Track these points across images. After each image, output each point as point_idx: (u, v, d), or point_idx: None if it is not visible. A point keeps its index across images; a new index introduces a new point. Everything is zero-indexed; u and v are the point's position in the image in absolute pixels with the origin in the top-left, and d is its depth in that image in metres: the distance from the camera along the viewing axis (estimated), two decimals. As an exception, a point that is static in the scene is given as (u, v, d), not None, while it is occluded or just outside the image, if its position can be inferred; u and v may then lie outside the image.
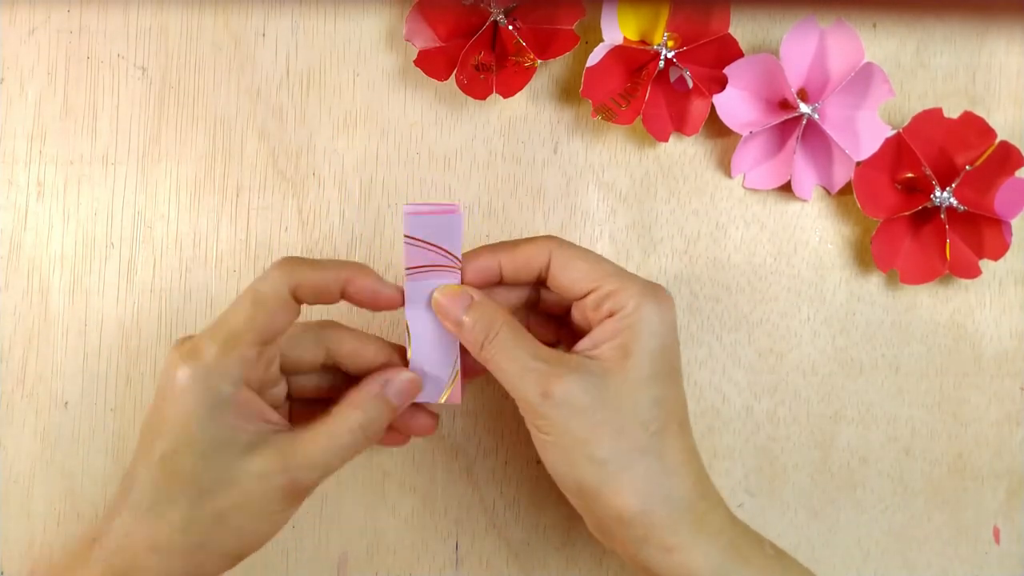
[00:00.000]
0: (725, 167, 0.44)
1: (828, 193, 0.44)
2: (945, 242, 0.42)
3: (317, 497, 0.43)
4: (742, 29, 0.44)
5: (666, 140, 0.43)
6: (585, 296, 0.36)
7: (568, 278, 0.36)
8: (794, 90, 0.42)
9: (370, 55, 0.44)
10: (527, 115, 0.44)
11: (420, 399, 0.38)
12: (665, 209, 0.44)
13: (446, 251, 0.36)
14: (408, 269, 0.37)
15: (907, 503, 0.44)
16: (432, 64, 0.42)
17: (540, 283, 0.38)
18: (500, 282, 0.37)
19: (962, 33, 0.45)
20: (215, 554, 0.34)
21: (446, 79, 0.42)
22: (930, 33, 0.45)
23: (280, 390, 0.38)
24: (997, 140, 0.42)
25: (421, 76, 0.43)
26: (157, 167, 0.44)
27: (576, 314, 0.38)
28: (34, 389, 0.43)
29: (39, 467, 0.43)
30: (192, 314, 0.43)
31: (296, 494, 0.35)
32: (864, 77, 0.42)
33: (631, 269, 0.44)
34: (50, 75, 0.44)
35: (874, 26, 0.45)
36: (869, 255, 0.44)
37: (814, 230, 0.45)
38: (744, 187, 0.44)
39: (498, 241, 0.38)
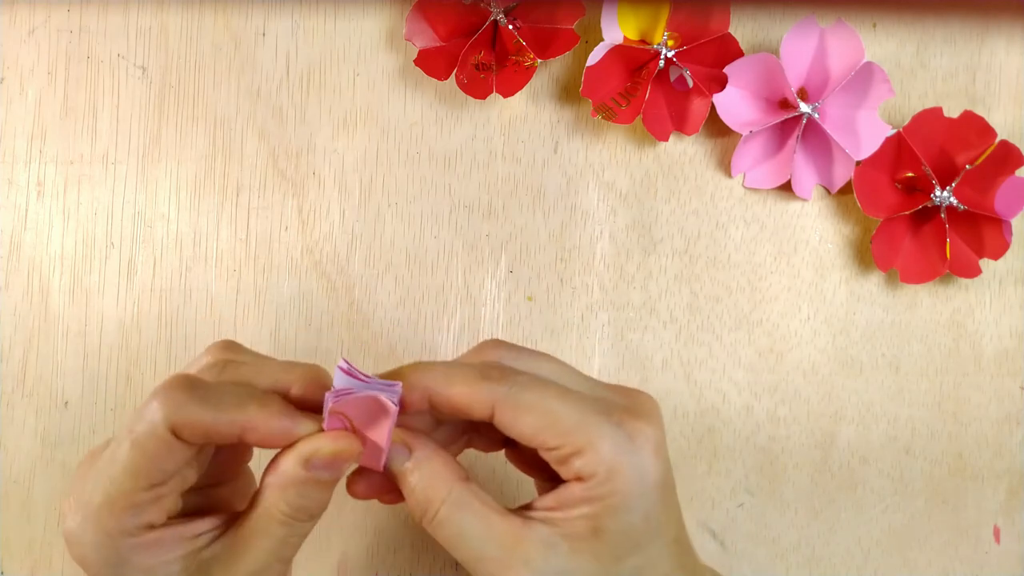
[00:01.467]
0: (725, 167, 0.44)
1: (828, 193, 0.44)
2: (945, 241, 0.42)
3: (317, 497, 0.43)
4: (742, 29, 0.44)
5: (666, 140, 0.43)
6: (547, 451, 0.29)
7: (519, 432, 0.29)
8: (794, 89, 0.42)
9: (370, 55, 0.44)
10: (527, 115, 0.44)
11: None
12: (665, 209, 0.44)
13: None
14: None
15: (907, 503, 0.44)
16: (432, 63, 0.42)
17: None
18: (434, 419, 0.32)
19: (962, 33, 0.45)
20: None
21: (446, 78, 0.42)
22: (930, 33, 0.45)
23: (204, 471, 0.31)
24: (997, 139, 0.42)
25: (421, 76, 0.43)
26: (157, 167, 0.44)
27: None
28: (34, 389, 0.43)
29: (39, 467, 0.43)
30: (192, 314, 0.43)
31: None
32: (864, 77, 0.42)
33: (631, 269, 0.44)
34: (50, 75, 0.44)
35: (874, 26, 0.45)
36: (869, 255, 0.44)
37: (814, 230, 0.45)
38: (744, 187, 0.44)
39: (435, 361, 0.31)
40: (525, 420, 0.29)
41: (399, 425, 0.30)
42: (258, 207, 0.44)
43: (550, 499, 0.30)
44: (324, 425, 0.30)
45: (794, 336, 0.44)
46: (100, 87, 0.44)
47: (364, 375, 0.29)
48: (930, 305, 0.45)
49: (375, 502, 0.42)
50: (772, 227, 0.45)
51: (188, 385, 0.29)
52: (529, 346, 0.37)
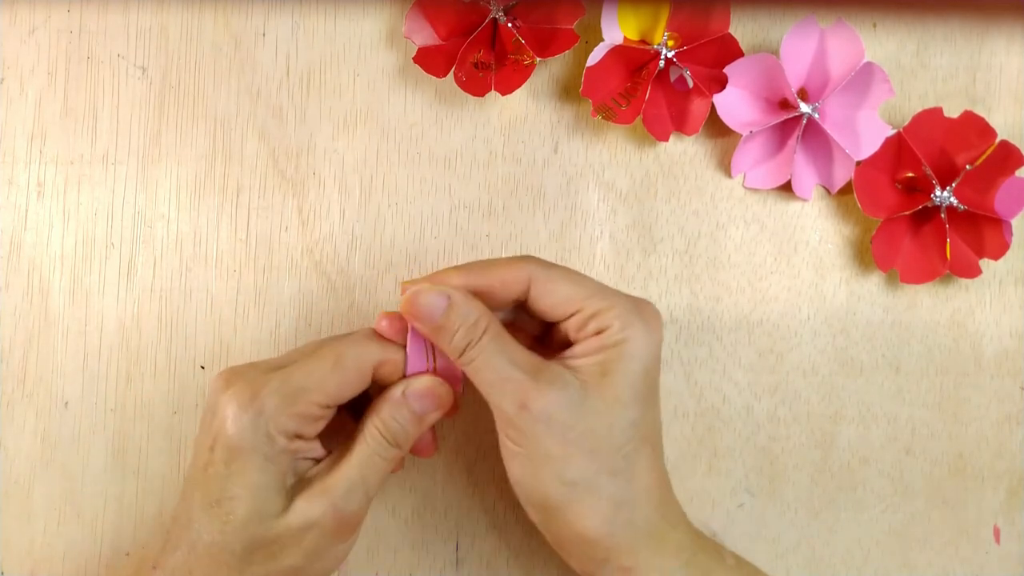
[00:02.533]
0: (725, 167, 0.44)
1: (828, 193, 0.44)
2: (945, 242, 0.42)
3: (317, 497, 0.43)
4: (742, 29, 0.44)
5: (666, 140, 0.43)
6: (568, 318, 0.35)
7: (550, 302, 0.35)
8: (794, 90, 0.42)
9: (370, 55, 0.44)
10: (527, 115, 0.44)
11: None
12: (665, 209, 0.44)
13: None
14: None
15: (907, 503, 0.44)
16: (431, 61, 0.42)
17: (517, 305, 0.37)
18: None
19: (962, 33, 0.45)
20: None
21: (444, 76, 0.42)
22: (930, 33, 0.45)
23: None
24: (997, 140, 0.42)
25: (421, 76, 0.43)
26: (157, 167, 0.44)
27: (557, 335, 0.37)
28: (34, 389, 0.43)
29: (39, 467, 0.43)
30: (192, 314, 0.43)
31: (344, 526, 0.35)
32: (864, 77, 0.42)
33: (631, 269, 0.44)
34: (50, 75, 0.44)
35: (874, 26, 0.45)
36: (869, 255, 0.44)
37: (814, 230, 0.45)
38: (744, 187, 0.44)
39: (471, 262, 0.37)
40: (556, 288, 0.34)
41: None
42: (258, 207, 0.44)
43: (568, 352, 0.35)
44: (408, 346, 0.36)
45: (794, 336, 0.44)
46: (100, 87, 0.44)
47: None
48: (930, 305, 0.45)
49: (375, 502, 0.42)
50: (772, 227, 0.45)
51: (383, 336, 0.36)
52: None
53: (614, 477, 0.34)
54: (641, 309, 0.35)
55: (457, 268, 0.36)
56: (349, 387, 0.35)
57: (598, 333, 0.34)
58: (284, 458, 0.34)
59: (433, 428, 0.38)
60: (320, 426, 0.35)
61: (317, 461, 0.36)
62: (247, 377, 0.34)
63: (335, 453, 0.36)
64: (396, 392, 0.36)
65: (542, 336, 0.39)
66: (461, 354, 0.35)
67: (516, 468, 0.35)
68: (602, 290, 0.35)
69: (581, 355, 0.34)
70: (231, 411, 0.33)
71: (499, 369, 0.34)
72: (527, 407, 0.33)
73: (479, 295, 0.35)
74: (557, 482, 0.33)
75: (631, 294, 0.36)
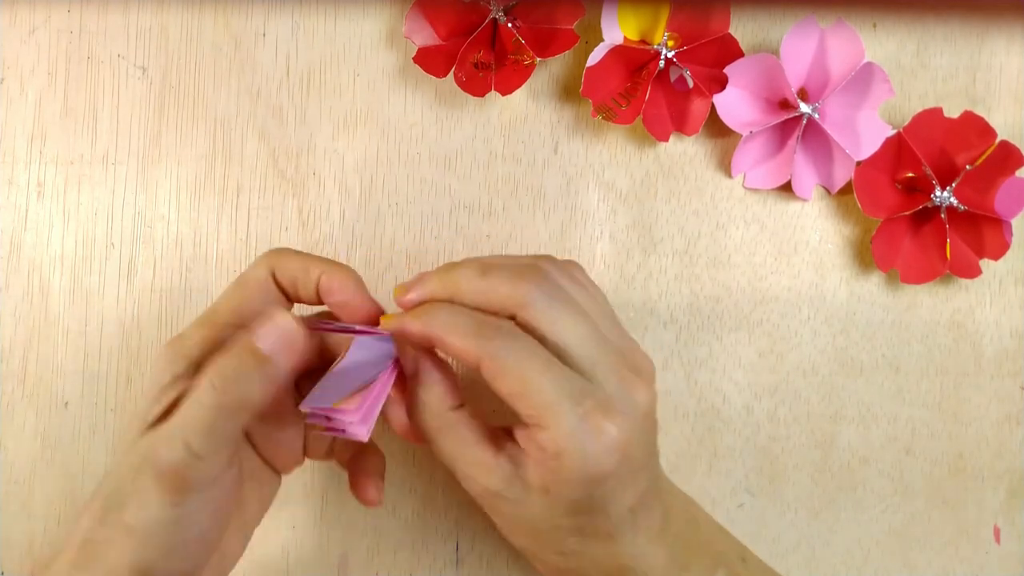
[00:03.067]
0: (725, 167, 0.44)
1: (828, 193, 0.44)
2: (945, 242, 0.42)
3: (317, 497, 0.43)
4: (742, 29, 0.44)
5: (666, 140, 0.43)
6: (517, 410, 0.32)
7: (496, 390, 0.32)
8: (794, 90, 0.42)
9: (370, 55, 0.44)
10: (527, 115, 0.44)
11: (313, 404, 0.33)
12: (665, 209, 0.44)
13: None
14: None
15: (907, 503, 0.44)
16: (431, 61, 0.42)
17: None
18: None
19: (962, 33, 0.45)
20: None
21: (444, 76, 0.42)
22: (930, 33, 0.45)
23: None
24: (997, 140, 0.42)
25: (421, 76, 0.43)
26: (157, 167, 0.44)
27: None
28: (34, 389, 0.43)
29: (39, 467, 0.43)
30: (192, 314, 0.43)
31: (166, 477, 0.30)
32: (864, 77, 0.42)
33: (631, 269, 0.44)
34: (50, 75, 0.44)
35: (874, 26, 0.45)
36: (869, 255, 0.44)
37: (814, 230, 0.45)
38: (744, 187, 0.44)
39: (445, 303, 0.33)
40: (503, 383, 0.31)
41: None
42: (258, 207, 0.44)
43: (521, 440, 0.33)
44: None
45: (794, 336, 0.44)
46: (100, 87, 0.44)
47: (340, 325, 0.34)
48: (930, 305, 0.45)
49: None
50: (772, 227, 0.45)
51: (288, 248, 0.35)
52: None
53: (564, 556, 0.34)
54: (592, 431, 0.31)
55: (427, 309, 0.33)
56: (253, 299, 0.33)
57: (540, 448, 0.31)
58: (178, 384, 0.31)
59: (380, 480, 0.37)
60: None
61: None
62: (178, 334, 0.34)
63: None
64: (240, 334, 0.32)
65: None
66: (428, 435, 0.34)
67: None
68: (550, 404, 0.31)
69: (528, 455, 0.32)
70: (157, 355, 0.32)
71: (455, 462, 0.34)
72: (490, 495, 0.33)
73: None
74: (519, 540, 0.35)
75: (613, 367, 0.33)
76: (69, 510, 0.42)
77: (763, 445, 0.44)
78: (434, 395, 0.34)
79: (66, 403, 0.43)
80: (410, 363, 0.34)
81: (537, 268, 0.33)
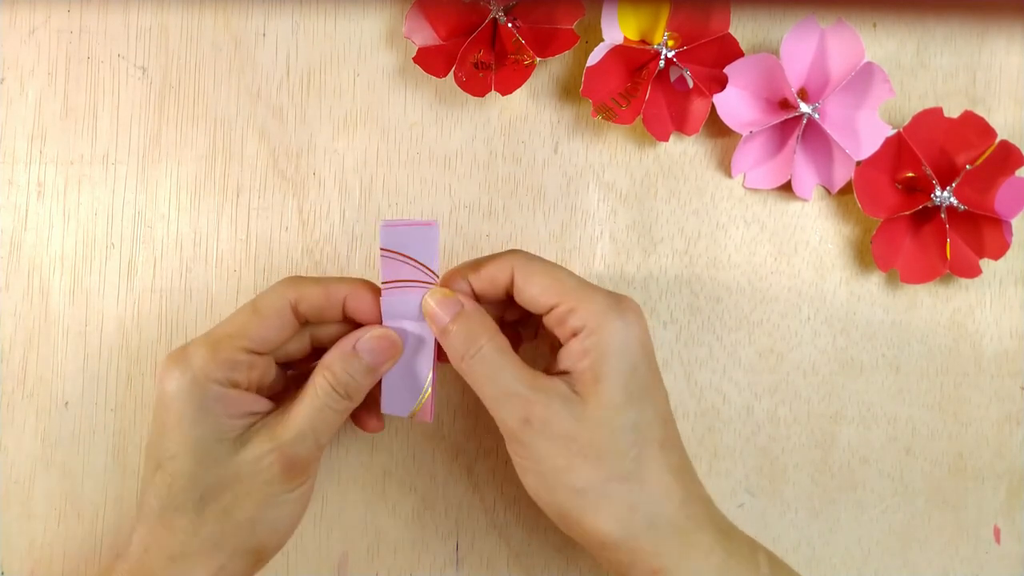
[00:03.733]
0: (725, 167, 0.44)
1: (828, 193, 0.44)
2: (945, 242, 0.42)
3: (317, 497, 0.43)
4: (742, 29, 0.44)
5: (666, 140, 0.43)
6: (548, 311, 0.35)
7: (530, 293, 0.35)
8: (794, 90, 0.42)
9: (370, 55, 0.44)
10: (527, 115, 0.44)
11: (389, 411, 0.38)
12: (665, 209, 0.44)
13: (423, 265, 0.36)
14: (384, 283, 0.36)
15: (907, 503, 0.44)
16: (431, 61, 0.42)
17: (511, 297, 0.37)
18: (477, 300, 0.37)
19: (962, 33, 0.45)
20: (235, 553, 0.35)
21: (444, 76, 0.42)
22: (930, 33, 0.45)
23: (277, 380, 0.38)
24: (997, 140, 0.42)
25: (421, 76, 0.43)
26: (157, 167, 0.44)
27: (545, 327, 0.37)
28: (34, 389, 0.43)
29: (39, 467, 0.43)
30: (192, 314, 0.43)
31: (292, 469, 0.35)
32: (864, 77, 0.42)
33: (631, 269, 0.44)
34: (50, 75, 0.44)
35: (874, 26, 0.45)
36: (869, 255, 0.44)
37: (814, 230, 0.45)
38: (744, 187, 0.44)
39: (468, 260, 0.37)
40: (535, 280, 0.35)
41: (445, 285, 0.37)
42: (258, 207, 0.44)
43: (559, 360, 0.35)
44: (380, 267, 0.36)
45: (794, 336, 0.44)
46: (100, 87, 0.44)
47: (405, 221, 0.35)
48: (930, 305, 0.45)
49: (375, 502, 0.42)
50: (772, 227, 0.45)
51: (303, 276, 0.37)
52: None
53: (625, 482, 0.33)
54: (618, 303, 0.35)
55: (455, 269, 0.37)
56: (270, 329, 0.36)
57: (576, 333, 0.34)
58: (219, 408, 0.34)
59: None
60: (254, 375, 0.36)
61: (265, 416, 0.36)
62: (181, 346, 0.35)
63: (283, 407, 0.36)
64: (347, 344, 0.36)
65: (534, 331, 0.40)
66: (461, 360, 0.35)
67: (529, 481, 0.35)
68: (580, 286, 0.35)
69: (568, 361, 0.35)
70: (163, 372, 0.34)
71: (500, 383, 0.34)
72: (529, 421, 0.34)
73: (479, 293, 0.36)
74: (567, 491, 0.34)
75: (616, 291, 0.36)
76: (69, 510, 0.42)
77: (763, 445, 0.44)
78: (484, 321, 0.35)
79: (66, 403, 0.43)
80: (450, 306, 0.35)
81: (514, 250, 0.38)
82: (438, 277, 0.36)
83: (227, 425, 0.35)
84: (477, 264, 0.37)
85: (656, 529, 0.33)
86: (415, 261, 0.35)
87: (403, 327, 0.37)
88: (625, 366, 0.34)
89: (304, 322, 0.37)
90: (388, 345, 0.36)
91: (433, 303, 0.36)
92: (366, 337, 0.36)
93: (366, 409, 0.39)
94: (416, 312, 0.36)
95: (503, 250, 0.37)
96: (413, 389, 0.37)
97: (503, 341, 0.35)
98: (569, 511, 0.34)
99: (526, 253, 0.36)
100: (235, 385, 0.35)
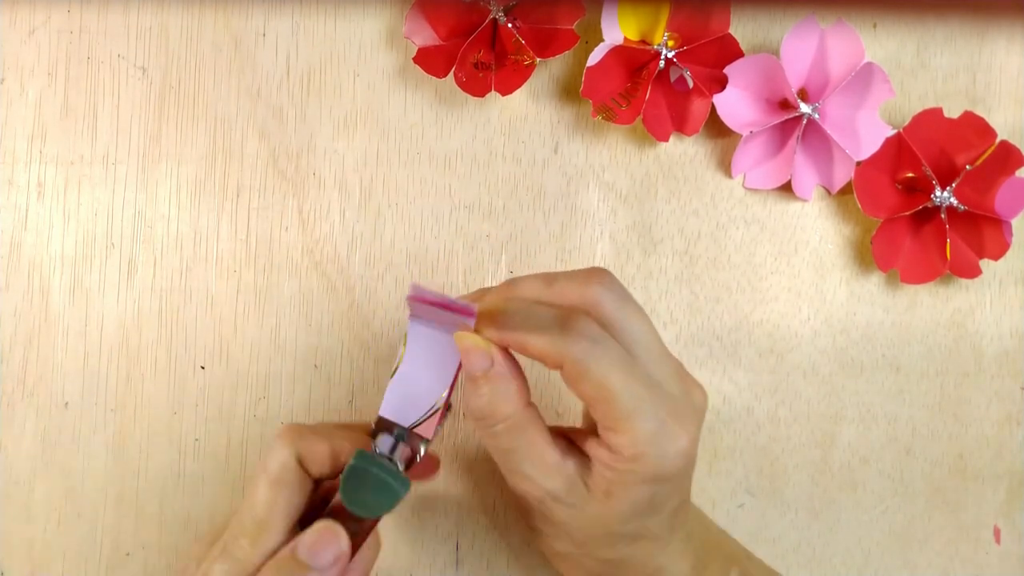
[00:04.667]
0: (725, 167, 0.44)
1: (828, 193, 0.44)
2: (945, 242, 0.42)
3: (317, 497, 0.43)
4: (742, 29, 0.44)
5: (666, 140, 0.43)
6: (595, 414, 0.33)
7: (578, 393, 0.32)
8: (794, 90, 0.42)
9: (370, 55, 0.44)
10: (527, 115, 0.44)
11: (388, 416, 0.35)
12: (665, 209, 0.44)
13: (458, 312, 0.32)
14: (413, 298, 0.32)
15: (907, 503, 0.44)
16: (431, 61, 0.42)
17: None
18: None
19: (962, 33, 0.45)
20: None
21: (445, 76, 0.42)
22: (930, 33, 0.45)
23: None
24: (997, 140, 0.42)
25: (421, 76, 0.43)
26: (157, 167, 0.44)
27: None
28: (34, 389, 0.43)
29: (39, 467, 0.43)
30: (192, 314, 0.43)
31: None
32: (864, 77, 0.42)
33: (631, 269, 0.44)
34: (50, 75, 0.44)
35: (874, 26, 0.45)
36: (869, 255, 0.44)
37: (814, 230, 0.45)
38: (744, 187, 0.44)
39: (521, 297, 0.34)
40: (586, 387, 0.31)
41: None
42: (258, 207, 0.44)
43: (589, 445, 0.33)
44: (407, 342, 0.33)
45: (794, 336, 0.44)
46: (100, 87, 0.44)
47: (439, 296, 0.31)
48: (930, 305, 0.45)
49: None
50: (772, 227, 0.45)
51: (301, 426, 0.33)
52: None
53: (607, 563, 0.35)
54: (668, 435, 0.31)
55: (504, 307, 0.33)
56: (293, 496, 0.32)
57: (610, 450, 0.32)
58: None
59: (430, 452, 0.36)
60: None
61: None
62: (210, 538, 0.33)
63: None
64: (285, 550, 0.31)
65: None
66: (483, 428, 0.33)
67: (559, 546, 0.35)
68: (632, 410, 0.31)
69: (592, 452, 0.33)
70: (209, 571, 0.32)
71: (515, 461, 0.33)
72: (543, 504, 0.33)
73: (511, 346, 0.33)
74: (564, 545, 0.35)
75: (678, 379, 0.34)
76: (69, 510, 0.42)
77: (763, 445, 0.44)
78: (512, 389, 0.32)
79: (66, 403, 0.43)
80: (479, 360, 0.32)
81: (601, 271, 0.34)
82: (474, 314, 0.32)
83: None
84: (529, 328, 0.32)
85: None
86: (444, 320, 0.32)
87: (428, 332, 0.34)
88: (644, 496, 0.32)
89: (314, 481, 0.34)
90: (326, 538, 0.31)
91: (463, 350, 0.32)
92: (303, 539, 0.31)
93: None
94: (448, 327, 0.33)
95: (590, 269, 0.34)
96: (422, 401, 0.34)
97: (531, 412, 0.33)
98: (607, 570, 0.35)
99: (588, 335, 0.31)
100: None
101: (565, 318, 0.32)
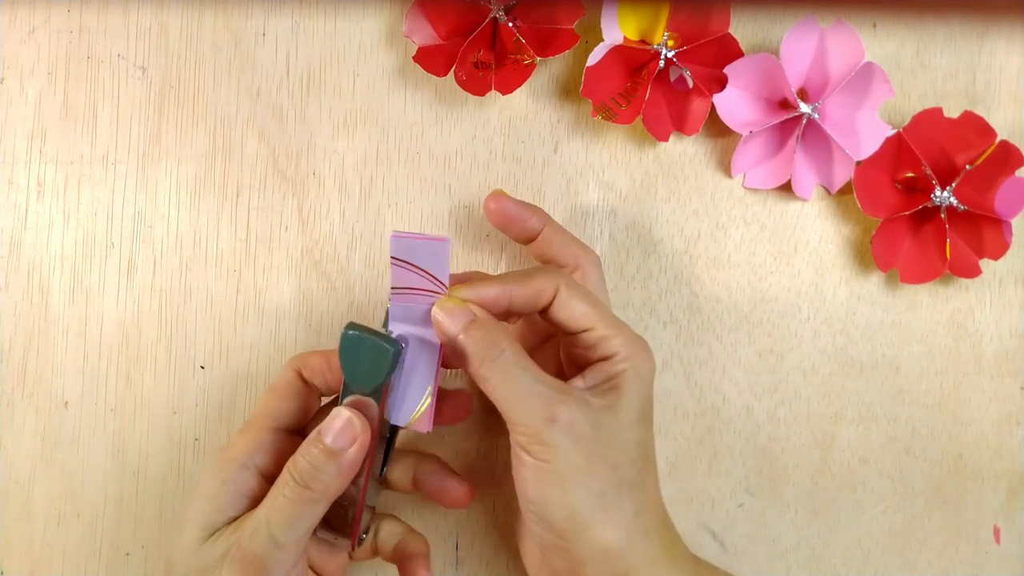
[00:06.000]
0: (725, 167, 0.44)
1: (828, 193, 0.44)
2: (945, 241, 0.42)
3: (317, 497, 0.43)
4: (742, 29, 0.44)
5: (666, 140, 0.43)
6: (580, 333, 0.36)
7: (570, 313, 0.36)
8: (794, 90, 0.42)
9: (370, 55, 0.44)
10: (527, 115, 0.44)
11: (390, 420, 0.37)
12: (665, 209, 0.44)
13: (433, 276, 0.34)
14: (394, 288, 0.35)
15: (907, 503, 0.44)
16: (431, 60, 0.42)
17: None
18: (506, 315, 0.36)
19: (962, 33, 0.45)
20: None
21: (445, 75, 0.42)
22: (930, 33, 0.45)
23: None
24: (997, 140, 0.42)
25: (421, 76, 0.43)
26: (157, 167, 0.44)
27: (564, 346, 0.38)
28: (34, 389, 0.43)
29: (39, 467, 0.43)
30: (192, 314, 0.43)
31: (250, 566, 0.33)
32: (864, 77, 0.42)
33: (631, 269, 0.44)
34: (50, 75, 0.44)
35: (874, 26, 0.45)
36: (869, 255, 0.44)
37: (814, 230, 0.45)
38: (744, 187, 0.44)
39: (506, 272, 0.37)
40: (578, 303, 0.36)
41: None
42: (258, 207, 0.44)
43: (579, 381, 0.36)
44: (391, 277, 0.35)
45: (794, 336, 0.44)
46: (100, 87, 0.44)
47: (415, 233, 0.34)
48: (930, 305, 0.45)
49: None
50: (772, 227, 0.45)
51: (304, 352, 0.38)
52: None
53: (632, 489, 0.35)
54: (642, 342, 0.37)
55: (497, 278, 0.36)
56: (283, 400, 0.37)
57: (606, 358, 0.36)
58: (227, 494, 0.35)
59: (465, 480, 0.39)
60: (270, 456, 0.36)
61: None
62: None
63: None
64: (313, 432, 0.35)
65: (542, 346, 0.41)
66: (482, 364, 0.34)
67: (541, 485, 0.34)
68: (614, 319, 0.36)
69: (594, 378, 0.36)
70: (207, 461, 0.36)
71: (523, 383, 0.34)
72: (555, 419, 0.33)
73: (515, 308, 0.36)
74: (585, 494, 0.34)
75: (615, 290, 0.38)
76: (69, 510, 0.42)
77: (763, 445, 0.44)
78: (503, 327, 0.35)
79: (66, 403, 0.43)
80: (462, 315, 0.35)
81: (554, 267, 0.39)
82: (447, 288, 0.35)
83: (228, 507, 0.35)
84: (521, 277, 0.36)
85: (650, 539, 0.35)
86: (425, 271, 0.35)
87: (409, 333, 0.36)
88: (644, 393, 0.36)
89: (317, 392, 0.38)
90: (350, 427, 0.34)
91: (444, 312, 0.35)
92: (329, 421, 0.34)
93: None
94: (423, 319, 0.35)
95: (537, 266, 0.38)
96: (414, 397, 0.36)
97: (520, 348, 0.35)
98: (582, 514, 0.34)
99: (566, 277, 0.37)
100: (262, 470, 0.36)
101: (550, 266, 0.37)
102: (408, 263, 0.34)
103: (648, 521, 0.35)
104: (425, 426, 0.36)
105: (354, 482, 0.36)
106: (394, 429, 0.38)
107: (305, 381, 0.37)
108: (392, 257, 0.34)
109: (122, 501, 0.43)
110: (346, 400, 0.35)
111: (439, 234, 0.33)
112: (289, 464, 0.34)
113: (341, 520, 0.37)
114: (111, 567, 0.42)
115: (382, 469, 0.38)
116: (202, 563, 0.34)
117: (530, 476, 0.34)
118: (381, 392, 0.35)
